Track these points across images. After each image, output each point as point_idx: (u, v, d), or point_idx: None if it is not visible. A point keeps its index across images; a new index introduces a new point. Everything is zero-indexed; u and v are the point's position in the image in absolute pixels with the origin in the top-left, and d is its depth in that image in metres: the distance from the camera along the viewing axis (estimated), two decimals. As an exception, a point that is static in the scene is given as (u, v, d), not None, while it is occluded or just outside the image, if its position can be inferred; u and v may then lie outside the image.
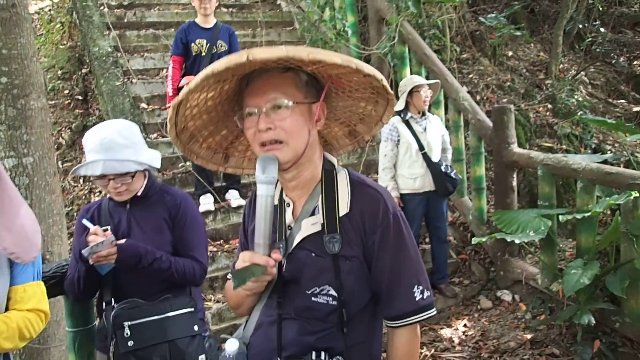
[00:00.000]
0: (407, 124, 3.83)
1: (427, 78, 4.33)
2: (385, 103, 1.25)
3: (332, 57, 1.05)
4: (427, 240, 4.30)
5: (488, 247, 4.26)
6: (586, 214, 3.12)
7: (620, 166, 4.38)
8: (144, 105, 5.26)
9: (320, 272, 1.20)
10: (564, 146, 5.42)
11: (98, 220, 1.96)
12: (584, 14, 7.48)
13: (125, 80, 5.29)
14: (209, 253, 4.00)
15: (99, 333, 1.97)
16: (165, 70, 5.48)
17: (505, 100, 5.72)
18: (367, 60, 5.68)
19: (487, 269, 4.31)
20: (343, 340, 1.21)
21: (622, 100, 7.02)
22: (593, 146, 5.57)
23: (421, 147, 3.78)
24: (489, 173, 4.65)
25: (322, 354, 1.18)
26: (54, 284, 1.94)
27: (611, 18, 8.00)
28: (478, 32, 6.50)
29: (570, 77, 6.67)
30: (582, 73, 6.95)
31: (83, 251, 1.76)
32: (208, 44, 4.26)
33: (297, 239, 1.23)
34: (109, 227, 1.93)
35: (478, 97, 5.63)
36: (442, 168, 3.80)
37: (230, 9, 6.95)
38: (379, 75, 1.13)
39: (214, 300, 3.77)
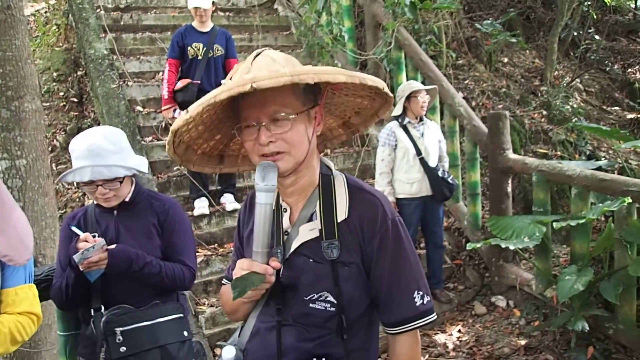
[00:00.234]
0: (405, 129, 3.84)
1: (424, 84, 4.34)
2: (383, 101, 1.25)
3: (336, 75, 1.04)
4: (423, 245, 4.30)
5: (483, 252, 4.27)
6: (580, 221, 3.13)
7: (614, 173, 4.40)
8: (139, 108, 5.25)
9: (319, 278, 1.19)
10: (558, 152, 5.44)
11: (85, 227, 1.95)
12: (578, 21, 7.54)
13: (121, 83, 5.28)
14: (203, 257, 4.02)
15: (84, 340, 1.95)
16: (161, 74, 5.47)
17: (500, 106, 5.75)
18: (364, 65, 5.70)
19: (481, 275, 4.32)
20: (342, 346, 1.20)
21: (617, 108, 7.06)
22: (587, 153, 5.60)
23: (418, 152, 3.79)
24: (484, 179, 4.66)
25: None
26: (46, 287, 1.93)
27: (606, 26, 8.06)
28: (474, 38, 6.54)
29: (565, 84, 6.70)
30: (577, 80, 6.99)
31: (74, 256, 1.75)
32: (204, 48, 4.27)
33: (295, 245, 1.22)
34: (96, 234, 1.91)
35: (474, 103, 5.65)
36: (439, 173, 3.80)
37: (227, 13, 6.95)
38: (381, 84, 1.13)
39: (208, 304, 3.75)
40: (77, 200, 4.81)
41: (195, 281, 3.81)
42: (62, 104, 5.68)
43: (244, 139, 1.18)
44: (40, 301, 1.66)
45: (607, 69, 7.63)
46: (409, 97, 3.84)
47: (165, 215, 2.01)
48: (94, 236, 1.85)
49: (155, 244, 1.98)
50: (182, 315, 1.94)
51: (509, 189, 4.09)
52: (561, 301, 3.13)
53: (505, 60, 6.75)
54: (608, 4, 8.19)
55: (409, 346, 1.23)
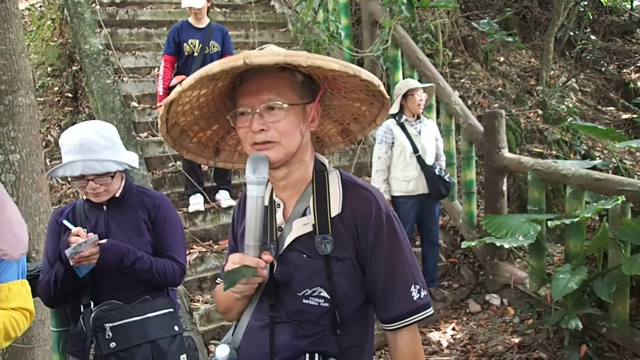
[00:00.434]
0: (402, 126, 3.84)
1: (420, 82, 4.34)
2: (380, 105, 1.24)
3: (330, 63, 1.04)
4: (418, 243, 4.31)
5: (477, 251, 4.28)
6: (574, 219, 3.14)
7: (609, 172, 4.42)
8: (134, 103, 5.22)
9: (312, 273, 1.19)
10: (553, 152, 5.46)
11: (73, 223, 1.93)
12: (574, 21, 7.56)
13: (116, 78, 5.25)
14: (198, 253, 4.01)
15: (73, 337, 1.94)
16: (156, 69, 5.45)
17: (496, 105, 5.76)
18: (360, 63, 5.69)
19: (476, 273, 4.33)
20: (336, 343, 1.19)
21: (612, 108, 7.09)
22: (582, 152, 5.62)
23: (415, 150, 3.79)
24: (479, 177, 4.67)
25: (316, 356, 1.17)
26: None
27: (601, 26, 8.09)
28: (470, 37, 6.54)
29: (560, 84, 6.73)
30: (573, 80, 7.02)
31: (66, 251, 1.73)
32: (200, 45, 4.25)
33: (288, 240, 1.22)
34: (85, 229, 1.90)
35: (470, 102, 5.66)
36: (436, 171, 3.81)
37: (224, 9, 6.93)
38: (376, 81, 1.12)
39: (202, 301, 3.74)
40: (72, 195, 4.78)
41: (190, 278, 3.85)
42: (56, 99, 5.64)
43: (237, 126, 1.17)
44: (33, 297, 1.65)
45: (603, 69, 7.66)
46: (405, 95, 3.84)
47: (156, 211, 2.00)
48: (85, 232, 1.84)
49: (146, 239, 1.97)
50: (172, 310, 1.93)
51: (504, 188, 4.10)
52: (555, 299, 3.14)
53: (502, 59, 6.77)
54: (604, 5, 8.23)
55: (411, 341, 1.22)
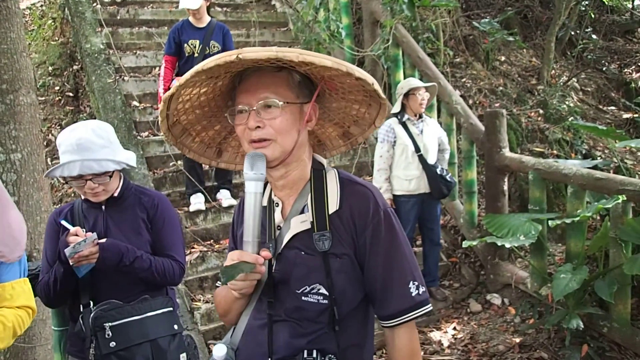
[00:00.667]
0: (404, 125, 3.83)
1: (421, 81, 4.34)
2: (378, 107, 1.24)
3: (322, 59, 1.05)
4: (419, 242, 4.31)
5: (478, 250, 4.28)
6: (575, 219, 3.14)
7: (610, 172, 4.41)
8: (135, 103, 5.22)
9: (310, 270, 1.19)
10: (554, 151, 5.46)
11: (72, 223, 1.93)
12: (576, 21, 7.55)
13: (117, 77, 5.25)
14: (199, 253, 4.01)
15: (72, 337, 1.94)
16: (157, 69, 5.45)
17: (497, 104, 5.76)
18: (361, 62, 5.69)
19: (477, 273, 4.33)
20: (335, 341, 1.19)
21: (613, 107, 7.09)
22: (583, 152, 5.62)
23: (417, 149, 3.78)
24: (480, 177, 4.67)
25: (314, 352, 1.17)
26: (41, 282, 1.91)
27: (603, 25, 8.08)
28: (471, 36, 6.54)
29: (561, 83, 6.72)
30: (574, 79, 7.01)
31: (65, 250, 1.74)
32: (201, 45, 4.23)
33: (286, 238, 1.23)
34: (84, 229, 1.90)
35: (470, 101, 5.65)
36: (438, 170, 3.80)
37: (225, 9, 6.92)
38: (370, 79, 1.12)
39: (203, 300, 3.75)
40: (72, 195, 4.79)
41: (191, 277, 3.85)
42: (57, 99, 5.64)
43: (235, 124, 1.19)
44: (35, 295, 1.66)
45: (604, 68, 7.65)
46: (407, 94, 3.84)
47: (155, 211, 2.01)
48: (84, 231, 1.85)
49: (144, 239, 1.97)
50: (171, 309, 1.93)
51: (505, 187, 4.10)
52: (556, 299, 3.14)
53: (503, 58, 6.76)
54: (606, 4, 8.22)
55: (408, 338, 1.22)
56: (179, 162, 4.67)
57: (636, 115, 6.71)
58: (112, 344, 1.76)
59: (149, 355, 1.79)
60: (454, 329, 3.77)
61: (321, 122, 1.32)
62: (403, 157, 3.81)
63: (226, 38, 4.36)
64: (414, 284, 1.21)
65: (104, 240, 1.85)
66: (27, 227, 1.61)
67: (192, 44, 4.24)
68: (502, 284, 4.05)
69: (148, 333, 1.81)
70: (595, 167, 3.78)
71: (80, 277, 1.85)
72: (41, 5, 6.95)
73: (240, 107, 1.17)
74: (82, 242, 1.75)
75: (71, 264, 1.78)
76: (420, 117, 3.91)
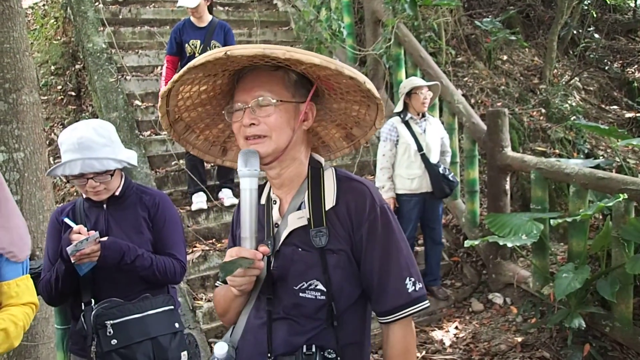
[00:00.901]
0: (407, 124, 3.83)
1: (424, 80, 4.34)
2: (376, 107, 1.24)
3: (310, 57, 1.06)
4: (421, 242, 4.30)
5: (480, 249, 4.27)
6: (577, 218, 3.13)
7: (612, 171, 4.41)
8: (137, 102, 5.23)
9: (308, 266, 1.20)
10: (557, 150, 5.45)
11: (74, 222, 1.94)
12: (578, 20, 7.53)
13: (119, 77, 5.26)
14: (201, 252, 4.01)
15: (74, 336, 1.95)
16: (159, 68, 5.45)
17: (499, 104, 5.75)
18: (363, 61, 5.69)
19: (479, 272, 4.33)
20: (334, 337, 1.20)
21: (615, 106, 7.07)
22: (586, 151, 5.61)
23: (420, 148, 3.78)
24: (482, 176, 4.66)
25: (313, 347, 1.18)
26: (43, 280, 1.92)
27: (605, 24, 8.06)
28: (473, 35, 6.53)
29: (564, 83, 6.71)
30: (576, 78, 7.00)
31: (67, 248, 1.75)
32: (202, 45, 4.22)
33: (284, 235, 1.24)
34: (86, 228, 1.91)
35: (473, 101, 5.65)
36: (440, 170, 3.80)
37: (227, 8, 6.92)
38: (361, 77, 1.13)
39: (205, 299, 3.75)
40: (75, 193, 4.79)
41: (193, 276, 3.86)
42: (60, 98, 5.65)
43: (232, 121, 1.22)
44: (38, 294, 1.67)
45: (606, 67, 7.63)
46: (409, 93, 3.83)
47: (156, 209, 2.02)
48: (87, 230, 1.85)
49: (146, 237, 1.98)
50: (172, 307, 1.94)
51: (507, 187, 4.09)
52: (558, 299, 3.13)
53: (505, 58, 6.75)
54: (608, 3, 8.20)
55: (403, 334, 1.22)
56: (181, 161, 4.67)
57: (638, 115, 6.70)
58: (114, 341, 1.77)
59: (150, 353, 1.80)
60: (456, 328, 3.77)
61: (324, 124, 1.34)
62: (405, 156, 3.81)
63: (227, 36, 4.34)
64: (410, 280, 1.21)
65: (105, 238, 1.86)
66: (29, 225, 1.63)
67: (193, 44, 4.23)
68: (504, 283, 4.05)
69: (149, 331, 1.82)
70: (597, 167, 3.78)
71: (81, 275, 1.86)
72: (43, 5, 6.96)
73: (236, 105, 1.19)
74: (84, 240, 1.76)
75: (73, 261, 1.79)
76: (424, 116, 3.90)
